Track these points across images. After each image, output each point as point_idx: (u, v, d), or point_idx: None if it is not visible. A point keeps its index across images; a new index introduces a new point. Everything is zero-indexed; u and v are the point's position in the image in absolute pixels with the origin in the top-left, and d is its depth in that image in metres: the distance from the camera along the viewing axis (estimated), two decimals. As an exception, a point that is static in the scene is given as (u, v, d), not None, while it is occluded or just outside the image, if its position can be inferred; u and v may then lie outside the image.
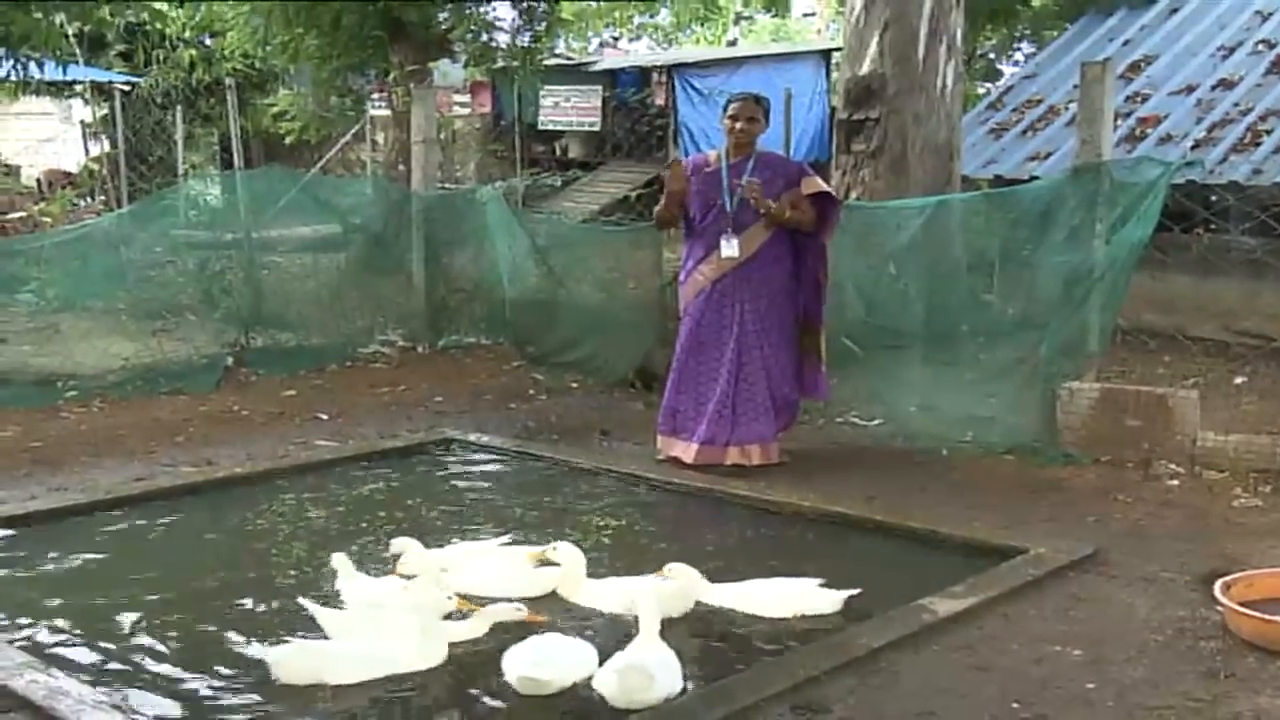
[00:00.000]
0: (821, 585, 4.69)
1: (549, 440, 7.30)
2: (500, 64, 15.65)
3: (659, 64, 22.79)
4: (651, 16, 28.27)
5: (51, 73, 14.05)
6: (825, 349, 6.86)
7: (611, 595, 4.66)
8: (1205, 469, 6.28)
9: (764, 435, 6.70)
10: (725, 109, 6.81)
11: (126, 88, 18.77)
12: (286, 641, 4.20)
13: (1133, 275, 6.73)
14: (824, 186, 6.76)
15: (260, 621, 4.52)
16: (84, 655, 4.22)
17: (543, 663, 3.98)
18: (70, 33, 14.46)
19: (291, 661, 4.03)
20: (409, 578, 4.71)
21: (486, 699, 3.96)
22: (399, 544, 4.91)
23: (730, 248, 6.62)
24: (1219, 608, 4.40)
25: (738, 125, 6.67)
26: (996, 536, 5.36)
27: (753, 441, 6.67)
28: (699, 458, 6.63)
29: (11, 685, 3.85)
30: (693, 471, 6.53)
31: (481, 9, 15.15)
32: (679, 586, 4.61)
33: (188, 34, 18.38)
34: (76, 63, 15.58)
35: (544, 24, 15.63)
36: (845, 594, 4.62)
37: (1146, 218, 6.45)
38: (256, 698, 3.92)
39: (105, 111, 18.86)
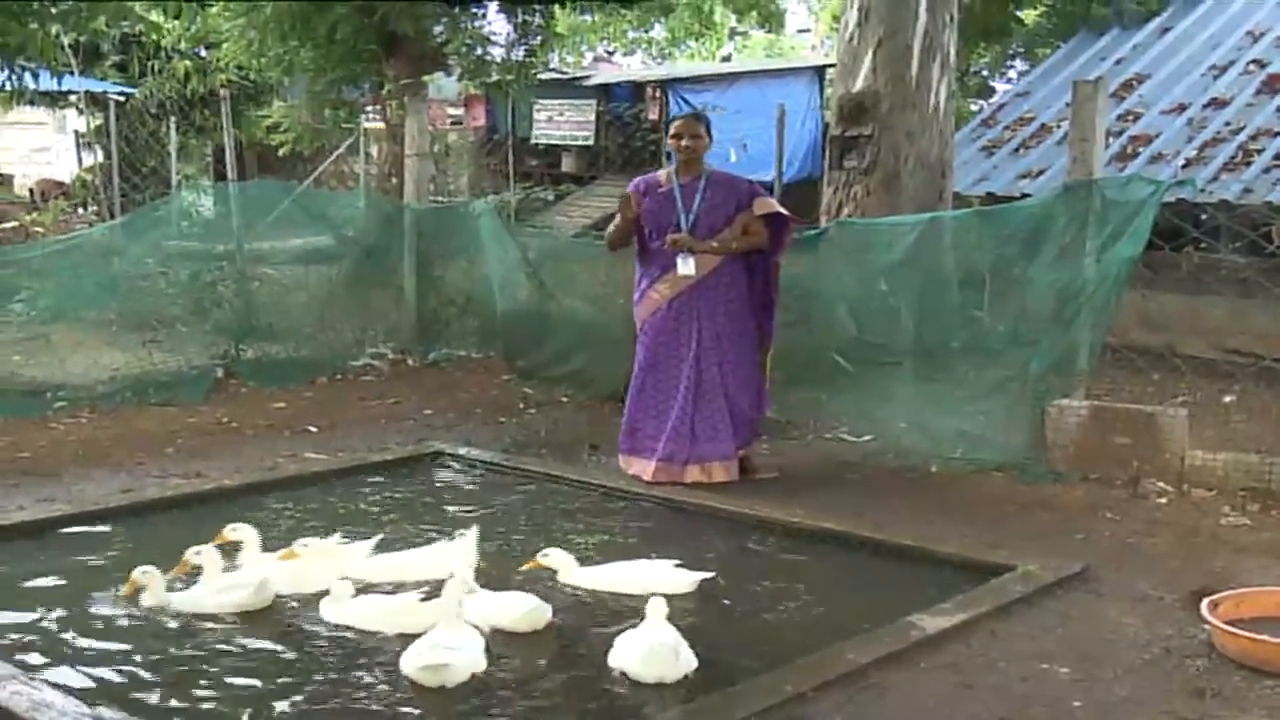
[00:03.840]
0: (678, 566, 4.94)
1: (538, 454, 7.29)
2: (495, 78, 15.65)
3: (653, 79, 22.84)
4: (646, 31, 28.32)
5: (46, 83, 14.03)
6: (769, 366, 6.89)
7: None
8: (1194, 487, 6.29)
9: (725, 453, 6.69)
10: (668, 130, 6.94)
11: (121, 98, 18.74)
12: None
13: (1123, 293, 6.75)
14: (776, 207, 6.79)
15: (238, 639, 4.51)
16: (69, 669, 4.18)
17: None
18: (66, 43, 14.47)
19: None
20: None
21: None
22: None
23: (687, 266, 6.63)
24: (1206, 626, 4.41)
25: (683, 142, 6.71)
26: (985, 553, 5.36)
27: (714, 459, 6.67)
28: (657, 475, 6.61)
29: (-5, 697, 3.83)
30: (680, 487, 6.51)
31: (476, 23, 15.17)
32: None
33: (183, 45, 18.35)
34: (71, 73, 15.56)
35: (539, 38, 15.66)
36: (700, 575, 4.90)
37: (1137, 236, 6.46)
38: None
39: (99, 122, 18.84)
